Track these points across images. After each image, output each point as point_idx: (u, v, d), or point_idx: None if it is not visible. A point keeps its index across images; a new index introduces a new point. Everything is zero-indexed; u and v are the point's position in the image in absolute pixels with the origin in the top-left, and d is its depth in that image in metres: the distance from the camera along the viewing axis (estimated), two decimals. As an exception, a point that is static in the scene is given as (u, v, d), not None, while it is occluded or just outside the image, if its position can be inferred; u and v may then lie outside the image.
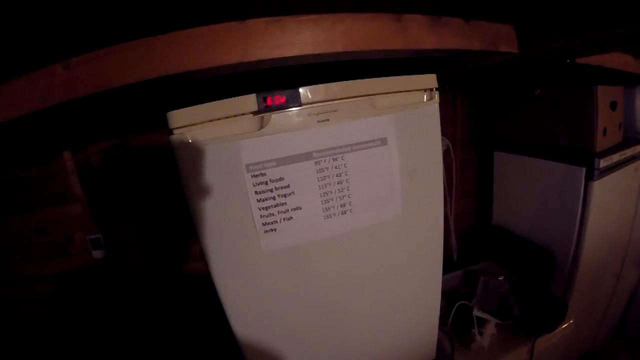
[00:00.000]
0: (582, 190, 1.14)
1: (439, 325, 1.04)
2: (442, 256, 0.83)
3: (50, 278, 1.33)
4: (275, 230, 0.67)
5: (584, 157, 1.13)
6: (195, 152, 0.63)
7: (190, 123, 0.62)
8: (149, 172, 1.17)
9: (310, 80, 0.64)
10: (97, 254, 1.19)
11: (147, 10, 0.47)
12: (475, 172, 1.44)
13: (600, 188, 1.14)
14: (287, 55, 0.59)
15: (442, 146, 1.22)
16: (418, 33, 0.58)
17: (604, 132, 1.16)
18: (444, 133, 1.25)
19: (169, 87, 0.70)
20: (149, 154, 1.15)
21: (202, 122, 0.62)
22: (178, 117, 0.62)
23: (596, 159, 1.11)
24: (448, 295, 1.15)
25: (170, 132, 0.63)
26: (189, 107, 0.62)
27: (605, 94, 1.15)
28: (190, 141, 0.62)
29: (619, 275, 1.44)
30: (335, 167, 0.66)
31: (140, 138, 1.14)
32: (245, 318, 0.73)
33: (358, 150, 0.67)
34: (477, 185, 1.45)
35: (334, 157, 0.66)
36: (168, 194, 1.18)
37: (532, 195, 1.27)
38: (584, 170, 1.13)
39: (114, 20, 0.47)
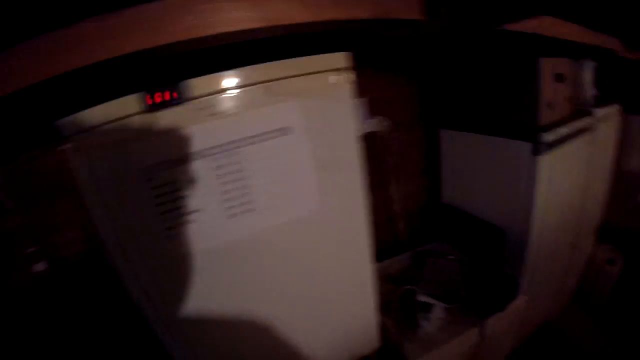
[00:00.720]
0: (529, 165, 1.09)
1: (387, 311, 1.00)
2: (370, 245, 0.77)
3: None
4: (179, 234, 0.60)
5: (529, 132, 1.07)
6: (88, 160, 0.56)
7: (79, 130, 0.55)
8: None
9: (194, 71, 0.56)
10: (37, 267, 1.12)
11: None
12: (422, 151, 1.38)
13: (548, 162, 1.09)
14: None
15: (379, 126, 1.16)
16: (278, 4, 0.50)
17: (550, 105, 1.09)
18: (384, 114, 1.19)
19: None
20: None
21: (90, 128, 0.55)
22: (66, 126, 0.55)
23: (541, 134, 1.05)
24: (396, 279, 1.10)
25: (62, 140, 0.56)
26: (75, 114, 0.55)
27: (550, 66, 1.08)
28: (81, 150, 0.55)
29: (574, 245, 1.41)
30: (233, 164, 0.59)
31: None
32: (170, 326, 0.67)
33: (257, 143, 0.60)
34: (425, 164, 1.39)
35: (230, 152, 0.59)
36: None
37: (480, 173, 1.21)
38: (529, 145, 1.07)
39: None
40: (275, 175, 0.62)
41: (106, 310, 1.23)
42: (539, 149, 1.06)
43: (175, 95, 0.55)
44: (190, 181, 0.58)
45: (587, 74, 1.23)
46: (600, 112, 1.24)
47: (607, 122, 1.30)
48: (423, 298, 0.96)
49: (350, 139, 0.68)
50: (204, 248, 0.62)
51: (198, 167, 0.58)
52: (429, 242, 1.26)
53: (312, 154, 0.64)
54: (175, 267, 0.63)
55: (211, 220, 0.61)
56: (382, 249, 1.20)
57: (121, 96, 0.55)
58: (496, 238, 1.16)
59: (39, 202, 1.13)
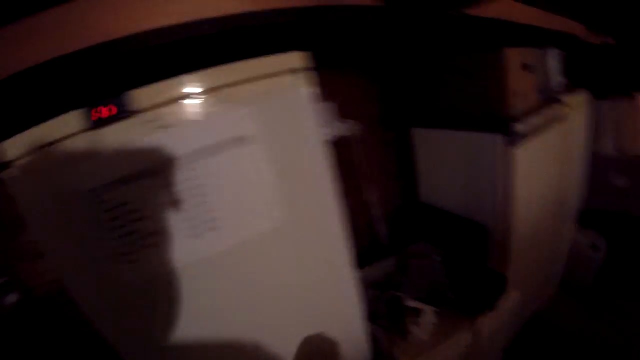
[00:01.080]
0: (504, 157, 1.06)
1: (375, 319, 0.95)
2: (350, 252, 0.73)
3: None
4: (137, 260, 0.54)
5: (500, 123, 1.05)
6: (32, 186, 0.50)
7: (23, 152, 0.50)
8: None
9: (137, 81, 0.51)
10: (9, 298, 1.03)
11: None
12: (394, 152, 1.35)
13: (523, 153, 1.07)
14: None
15: (349, 130, 1.13)
16: None
17: (519, 95, 1.08)
18: (352, 116, 1.15)
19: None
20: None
21: (31, 151, 0.50)
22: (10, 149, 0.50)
23: (513, 124, 1.03)
24: (381, 285, 1.05)
25: (4, 166, 0.51)
26: (15, 135, 0.50)
27: (515, 56, 1.06)
28: (23, 175, 0.50)
29: (554, 234, 1.40)
30: (187, 179, 0.54)
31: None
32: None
33: (212, 155, 0.55)
34: (399, 165, 1.36)
35: (183, 167, 0.53)
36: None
37: (456, 169, 1.18)
38: (502, 137, 1.05)
39: None
40: (236, 188, 0.57)
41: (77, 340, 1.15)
42: (512, 140, 1.04)
43: (117, 108, 0.50)
44: (145, 201, 0.52)
45: (553, 61, 1.23)
46: (569, 99, 1.24)
47: (577, 109, 1.30)
48: (411, 303, 0.92)
49: (314, 144, 0.64)
50: (166, 271, 0.56)
51: (151, 184, 0.52)
52: (411, 244, 1.22)
53: (273, 163, 0.59)
54: (138, 295, 0.57)
55: (171, 241, 0.55)
56: (364, 255, 1.15)
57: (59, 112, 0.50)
58: (478, 234, 1.13)
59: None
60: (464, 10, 0.73)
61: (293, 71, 0.60)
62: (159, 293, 0.57)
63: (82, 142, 0.50)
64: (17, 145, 0.50)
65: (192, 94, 0.53)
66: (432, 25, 0.82)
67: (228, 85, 0.55)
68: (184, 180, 0.54)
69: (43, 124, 0.50)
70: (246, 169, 0.57)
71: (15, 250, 1.05)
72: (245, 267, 0.62)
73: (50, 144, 0.50)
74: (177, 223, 0.55)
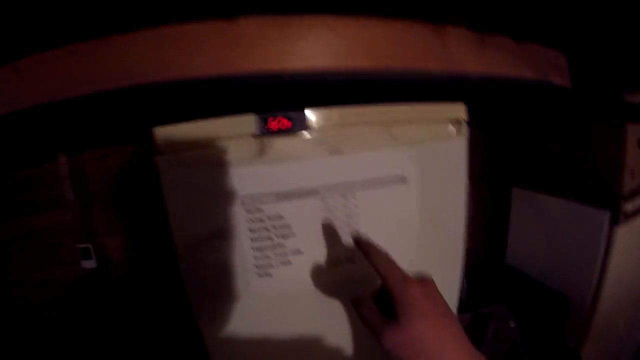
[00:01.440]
0: (605, 234, 1.00)
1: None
2: (457, 300, 0.70)
3: (39, 284, 1.21)
4: (270, 275, 0.54)
5: (609, 199, 0.99)
6: (182, 178, 0.51)
7: (178, 142, 0.50)
8: (145, 185, 1.04)
9: (313, 102, 0.52)
10: (87, 264, 1.07)
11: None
12: (490, 207, 1.30)
13: (625, 233, 1.01)
14: (288, 67, 0.45)
15: None
16: (461, 52, 0.45)
17: (632, 173, 1.02)
18: None
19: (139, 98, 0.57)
20: (146, 166, 1.03)
21: (191, 143, 0.50)
22: (164, 135, 0.50)
23: (622, 202, 0.97)
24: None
25: (155, 151, 0.52)
26: (177, 125, 0.50)
27: (635, 132, 1.01)
28: (176, 164, 0.50)
29: (633, 322, 1.29)
30: (345, 207, 0.53)
31: (139, 149, 1.02)
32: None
33: (372, 189, 0.54)
34: (491, 221, 1.31)
35: (344, 194, 0.53)
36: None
37: (551, 236, 1.13)
38: (608, 213, 0.99)
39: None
40: (381, 223, 0.56)
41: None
42: (617, 218, 0.98)
43: (292, 124, 0.50)
44: (300, 219, 0.52)
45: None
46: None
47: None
48: (489, 366, 0.86)
49: (460, 194, 0.63)
50: (296, 292, 0.56)
51: (306, 205, 0.53)
52: (488, 304, 1.16)
53: (421, 204, 0.58)
54: (257, 308, 0.56)
55: (310, 264, 0.55)
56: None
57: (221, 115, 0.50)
58: (560, 307, 1.06)
59: (96, 201, 1.09)
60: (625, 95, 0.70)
61: (454, 121, 0.60)
62: (282, 307, 0.57)
63: (251, 147, 0.51)
64: (179, 133, 0.50)
65: (364, 125, 0.53)
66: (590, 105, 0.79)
67: (397, 124, 0.55)
68: (338, 206, 0.54)
69: (214, 119, 0.50)
70: (397, 207, 0.56)
71: (102, 222, 1.09)
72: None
73: (217, 140, 0.50)
74: (320, 247, 0.55)
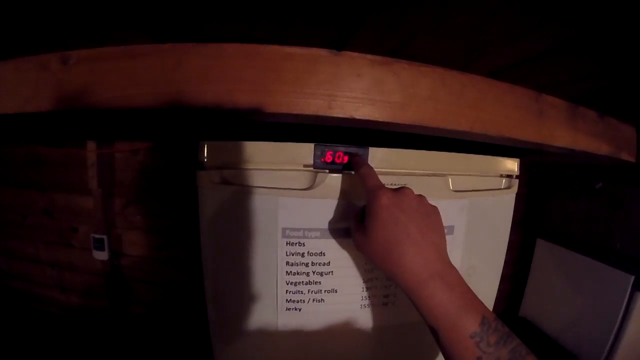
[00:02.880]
0: (627, 298, 0.95)
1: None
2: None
3: (45, 262, 1.18)
4: (299, 310, 0.50)
5: (636, 264, 0.95)
6: (222, 197, 0.48)
7: (224, 160, 0.47)
8: (171, 186, 1.02)
9: (377, 141, 0.48)
10: (99, 255, 1.04)
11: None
12: (514, 256, 1.26)
13: (646, 300, 0.96)
14: (381, 120, 0.39)
15: None
16: (554, 123, 0.42)
17: (661, 241, 0.97)
18: None
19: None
20: (175, 167, 1.00)
21: (239, 162, 0.47)
22: (212, 150, 0.47)
23: (647, 269, 0.93)
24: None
25: (199, 165, 0.49)
26: (226, 142, 0.47)
27: (667, 200, 0.97)
28: (220, 182, 0.47)
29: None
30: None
31: (171, 147, 0.99)
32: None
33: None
34: (513, 271, 1.26)
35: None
36: (186, 215, 1.03)
37: (570, 293, 1.08)
38: (632, 278, 0.94)
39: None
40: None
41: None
42: (640, 283, 0.94)
43: (349, 160, 0.47)
44: (337, 259, 0.49)
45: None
46: None
47: None
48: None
49: (502, 249, 0.59)
50: (323, 331, 0.52)
51: (351, 245, 0.49)
52: None
53: (464, 258, 0.55)
54: (278, 340, 0.53)
55: (343, 304, 0.51)
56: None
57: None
58: (569, 366, 1.01)
59: (119, 194, 1.07)
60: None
61: (507, 175, 0.57)
62: (304, 344, 0.53)
63: (303, 177, 0.47)
64: (227, 152, 0.47)
65: (424, 170, 0.50)
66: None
67: (453, 173, 0.52)
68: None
69: (267, 142, 0.46)
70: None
71: (122, 216, 1.06)
72: (396, 344, 0.57)
73: (267, 164, 0.47)
74: (356, 288, 0.51)
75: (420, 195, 0.40)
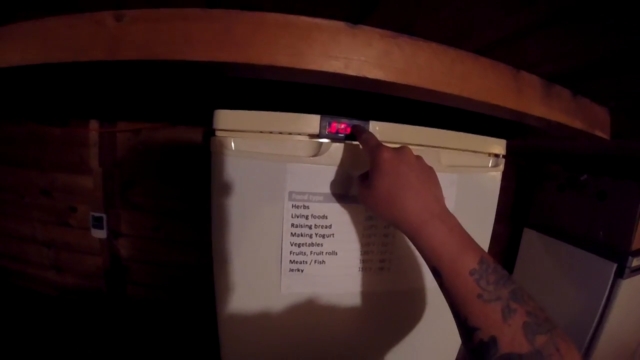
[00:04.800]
0: (609, 286, 1.04)
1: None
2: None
3: (41, 242, 1.22)
4: (301, 271, 0.56)
5: (618, 253, 1.03)
6: (234, 162, 0.53)
7: (237, 129, 0.53)
8: (171, 166, 1.07)
9: (377, 114, 0.55)
10: (97, 233, 1.08)
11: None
12: (502, 247, 1.34)
13: (628, 286, 1.04)
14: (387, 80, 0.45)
15: None
16: (530, 97, 0.49)
17: (642, 229, 1.06)
18: None
19: (222, 80, 0.59)
20: (177, 148, 1.05)
21: (251, 131, 0.53)
22: (226, 118, 0.52)
23: (630, 257, 1.01)
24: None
25: (212, 132, 0.54)
26: (240, 111, 0.52)
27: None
28: (233, 148, 0.53)
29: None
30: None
31: (172, 129, 1.04)
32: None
33: (412, 206, 0.57)
34: (500, 262, 1.34)
35: (387, 206, 0.56)
36: (186, 195, 1.07)
37: (555, 281, 1.16)
38: (615, 266, 1.03)
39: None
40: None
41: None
42: (623, 272, 1.02)
43: (350, 130, 0.53)
44: (342, 222, 0.55)
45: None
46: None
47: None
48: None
49: (488, 225, 0.66)
50: (317, 292, 0.58)
51: (350, 209, 0.55)
52: None
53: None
54: (276, 305, 0.59)
55: (342, 267, 0.57)
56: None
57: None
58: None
59: (120, 173, 1.11)
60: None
61: (494, 155, 0.64)
62: (304, 307, 0.59)
63: (309, 146, 0.53)
64: (240, 120, 0.52)
65: (420, 145, 0.56)
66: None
67: (445, 149, 0.58)
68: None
69: (277, 112, 0.52)
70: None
71: (121, 195, 1.11)
72: (385, 311, 0.63)
73: (277, 133, 0.52)
74: (355, 252, 0.57)
75: (418, 156, 0.45)
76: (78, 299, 1.18)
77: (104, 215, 1.06)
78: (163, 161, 1.05)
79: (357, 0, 0.36)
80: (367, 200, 0.45)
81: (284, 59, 0.40)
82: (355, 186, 0.48)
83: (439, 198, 0.43)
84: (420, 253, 0.41)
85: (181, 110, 0.94)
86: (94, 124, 1.06)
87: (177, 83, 0.66)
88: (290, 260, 0.55)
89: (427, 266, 0.41)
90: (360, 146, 0.48)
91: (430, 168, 0.46)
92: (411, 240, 0.41)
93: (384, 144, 0.45)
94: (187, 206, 1.06)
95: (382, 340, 0.65)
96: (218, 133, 0.53)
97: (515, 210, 1.28)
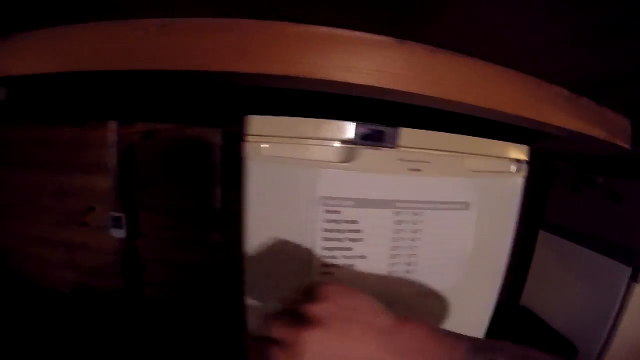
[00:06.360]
0: (624, 290, 1.06)
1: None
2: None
3: (57, 243, 1.25)
4: (332, 274, 0.59)
5: (633, 256, 1.05)
6: (266, 167, 0.56)
7: (269, 134, 0.55)
8: (189, 167, 1.10)
9: (408, 121, 0.57)
10: (116, 232, 1.11)
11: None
12: (516, 247, 1.36)
13: (642, 290, 1.06)
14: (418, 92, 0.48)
15: None
16: (553, 107, 0.52)
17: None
18: None
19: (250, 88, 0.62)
20: (194, 149, 1.08)
21: (282, 137, 0.55)
22: (257, 124, 0.55)
23: (644, 261, 1.04)
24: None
25: (242, 137, 0.57)
26: (272, 116, 0.55)
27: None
28: (264, 154, 0.55)
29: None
30: (413, 223, 0.59)
31: (190, 130, 1.07)
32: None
33: (439, 210, 0.60)
34: (515, 261, 1.37)
35: (415, 211, 0.59)
36: (203, 196, 1.11)
37: (569, 284, 1.19)
38: (630, 270, 1.05)
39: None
40: (440, 243, 0.62)
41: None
42: (637, 276, 1.04)
43: (387, 138, 0.56)
44: (372, 226, 0.58)
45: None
46: None
47: None
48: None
49: (509, 228, 0.68)
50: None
51: (380, 214, 0.58)
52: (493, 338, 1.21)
53: (476, 233, 0.64)
54: None
55: (371, 271, 0.60)
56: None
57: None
58: (566, 354, 1.12)
59: (138, 174, 1.14)
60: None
61: (516, 160, 0.66)
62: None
63: (341, 152, 0.56)
64: (271, 126, 0.54)
65: (446, 150, 0.59)
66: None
67: (470, 154, 0.61)
68: (408, 222, 0.59)
69: (307, 118, 0.54)
70: (457, 231, 0.62)
71: (140, 196, 1.14)
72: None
73: (309, 139, 0.55)
74: (384, 256, 0.60)
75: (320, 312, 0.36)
76: (96, 298, 1.21)
77: (123, 215, 1.10)
78: (180, 162, 1.08)
79: (407, 20, 0.39)
80: None
81: (336, 74, 0.42)
82: None
83: (376, 327, 0.37)
84: None
85: (199, 111, 0.97)
86: (112, 125, 1.09)
87: (199, 86, 0.68)
88: (322, 264, 0.58)
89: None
90: None
91: (344, 305, 0.38)
92: None
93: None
94: (205, 207, 1.09)
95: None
96: (249, 138, 0.56)
97: (529, 210, 1.31)
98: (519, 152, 0.66)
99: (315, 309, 0.36)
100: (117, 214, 1.10)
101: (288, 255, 0.59)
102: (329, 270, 0.59)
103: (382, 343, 0.35)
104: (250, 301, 0.63)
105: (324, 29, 0.42)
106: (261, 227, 0.58)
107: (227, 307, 1.12)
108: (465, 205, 0.61)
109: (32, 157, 1.18)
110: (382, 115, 0.62)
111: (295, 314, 0.37)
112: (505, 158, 0.66)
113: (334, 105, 0.64)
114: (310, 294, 0.40)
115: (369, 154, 0.56)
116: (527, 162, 0.68)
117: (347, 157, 0.56)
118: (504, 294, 1.39)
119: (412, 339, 0.36)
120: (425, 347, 0.35)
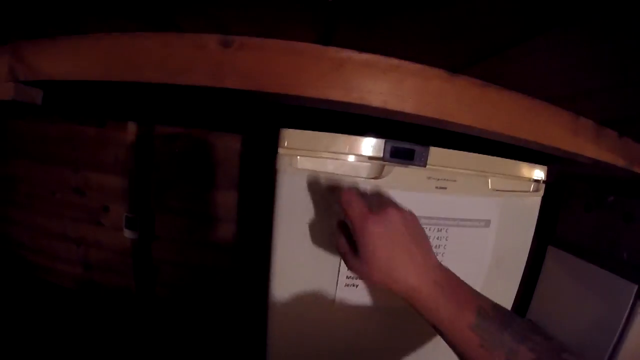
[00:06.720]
0: (630, 306, 1.09)
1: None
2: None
3: (72, 240, 1.27)
4: (356, 286, 0.61)
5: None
6: (298, 179, 0.58)
7: (302, 147, 0.57)
8: (207, 171, 1.12)
9: (437, 142, 0.60)
10: (129, 233, 1.13)
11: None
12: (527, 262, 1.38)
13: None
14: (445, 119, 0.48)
15: None
16: (584, 139, 0.54)
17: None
18: None
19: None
20: (214, 154, 1.10)
21: (315, 150, 0.57)
22: (292, 137, 0.57)
23: (652, 280, 1.06)
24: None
25: (276, 149, 0.59)
26: (306, 131, 0.57)
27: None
28: (297, 167, 0.58)
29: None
30: (437, 238, 0.61)
31: (210, 135, 1.09)
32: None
33: (462, 227, 0.62)
34: (523, 275, 1.39)
35: (439, 227, 0.61)
36: (221, 200, 1.13)
37: (576, 299, 1.21)
38: (636, 287, 1.08)
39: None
40: (462, 260, 0.64)
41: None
42: (645, 294, 1.07)
43: (417, 156, 0.58)
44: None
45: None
46: None
47: None
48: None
49: (526, 246, 0.71)
50: (372, 306, 0.63)
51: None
52: None
53: (494, 250, 0.66)
54: (327, 317, 0.64)
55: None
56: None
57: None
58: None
59: (156, 175, 1.15)
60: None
61: (535, 180, 0.69)
62: (356, 319, 0.64)
63: (372, 168, 0.58)
64: (305, 140, 0.56)
65: (472, 170, 0.62)
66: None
67: (493, 174, 0.64)
68: (432, 237, 0.61)
69: (341, 134, 0.56)
70: (477, 247, 0.65)
71: (156, 198, 1.15)
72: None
73: (341, 154, 0.57)
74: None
75: (400, 211, 0.44)
76: (104, 296, 1.23)
77: (138, 216, 1.11)
78: (199, 166, 1.10)
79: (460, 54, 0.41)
80: (362, 274, 0.45)
81: (390, 102, 0.44)
82: (347, 261, 0.47)
83: (428, 256, 0.45)
84: (419, 314, 0.43)
85: (220, 117, 0.99)
86: (132, 126, 1.11)
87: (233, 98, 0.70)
88: (347, 276, 0.61)
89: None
90: (343, 212, 0.46)
91: (413, 221, 0.47)
92: (409, 303, 0.43)
93: (366, 211, 0.44)
94: (222, 211, 1.11)
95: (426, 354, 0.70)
96: (282, 151, 0.58)
97: (541, 226, 1.33)
98: (538, 172, 0.69)
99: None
100: (131, 215, 1.12)
101: (315, 265, 0.61)
102: (354, 282, 0.61)
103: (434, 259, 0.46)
104: (274, 308, 0.65)
105: (386, 60, 0.44)
106: (291, 237, 0.61)
107: (239, 310, 1.14)
108: (486, 223, 0.64)
109: (53, 153, 1.20)
110: (406, 131, 0.64)
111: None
112: (525, 177, 0.68)
113: (359, 118, 0.66)
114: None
115: (399, 172, 0.58)
116: (544, 182, 0.70)
117: (377, 174, 0.58)
118: (511, 307, 1.42)
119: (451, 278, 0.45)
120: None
